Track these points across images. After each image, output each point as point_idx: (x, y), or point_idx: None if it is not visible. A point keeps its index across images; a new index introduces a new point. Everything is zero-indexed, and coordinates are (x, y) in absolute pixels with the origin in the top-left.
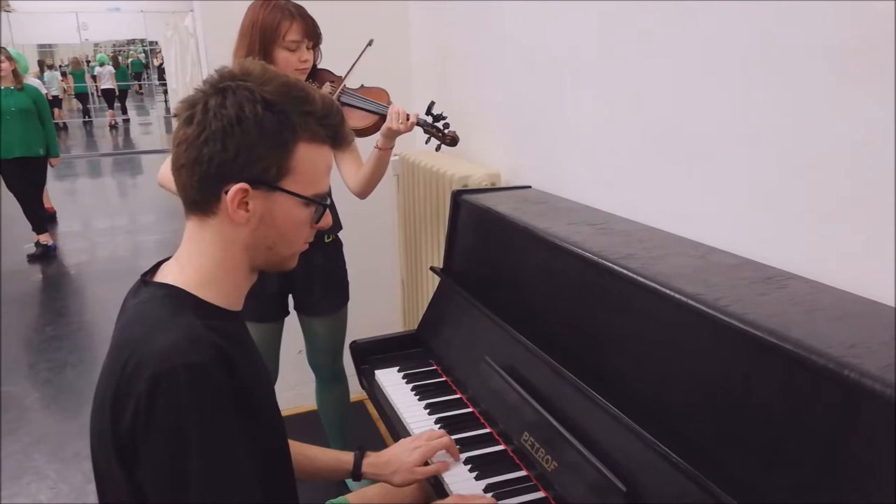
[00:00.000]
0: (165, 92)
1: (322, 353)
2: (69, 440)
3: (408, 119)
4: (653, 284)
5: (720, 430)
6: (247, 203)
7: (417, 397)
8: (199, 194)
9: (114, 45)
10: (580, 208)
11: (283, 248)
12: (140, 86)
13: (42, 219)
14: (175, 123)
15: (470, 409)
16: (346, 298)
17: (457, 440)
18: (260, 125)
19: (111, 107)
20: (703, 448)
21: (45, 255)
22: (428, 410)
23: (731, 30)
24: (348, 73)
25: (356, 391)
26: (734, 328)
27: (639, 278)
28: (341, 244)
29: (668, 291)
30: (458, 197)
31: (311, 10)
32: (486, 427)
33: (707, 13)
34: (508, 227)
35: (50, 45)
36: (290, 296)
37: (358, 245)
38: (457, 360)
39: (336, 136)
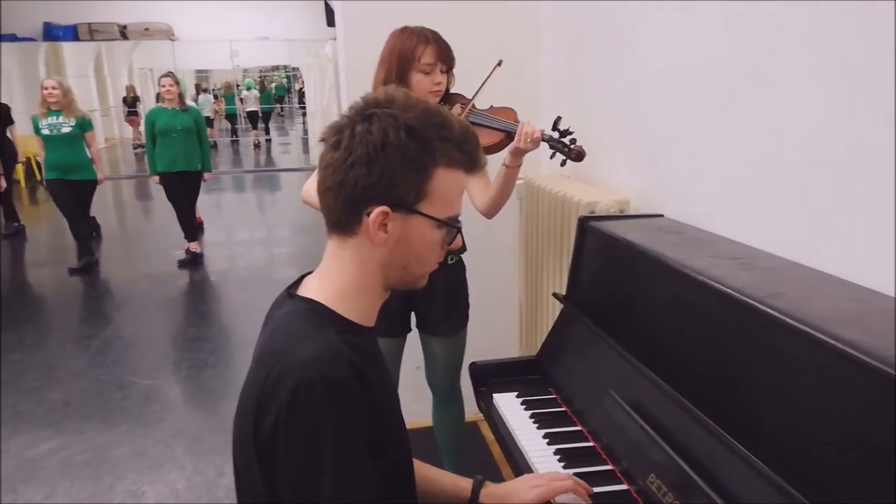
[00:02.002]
0: (304, 114)
1: (440, 373)
2: (205, 435)
3: (536, 136)
4: (804, 328)
5: (876, 491)
6: (386, 224)
7: (536, 425)
8: (343, 215)
9: (260, 71)
10: (719, 240)
11: (415, 268)
12: (282, 108)
13: (193, 228)
14: (322, 147)
15: (591, 443)
16: (466, 320)
17: (576, 475)
18: (403, 151)
19: (255, 127)
20: None
21: (193, 262)
22: (547, 440)
23: (886, 55)
24: (477, 92)
25: (472, 412)
26: None
27: (788, 320)
28: (464, 266)
29: (822, 336)
30: (585, 223)
31: (445, 35)
32: (607, 463)
33: (859, 39)
34: (639, 256)
35: (205, 71)
36: (413, 313)
37: (478, 267)
38: (578, 391)
39: (471, 161)
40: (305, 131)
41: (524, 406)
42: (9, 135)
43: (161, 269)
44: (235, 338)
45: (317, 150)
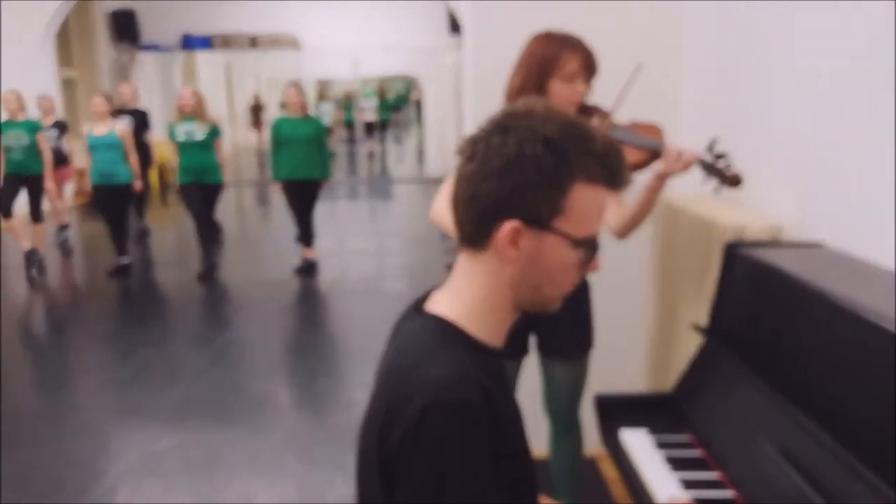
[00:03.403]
0: (421, 124)
1: (559, 400)
2: (316, 444)
3: (685, 158)
4: None
5: None
6: (517, 241)
7: (670, 468)
8: (474, 229)
9: (379, 80)
10: (890, 275)
11: (548, 289)
12: (399, 117)
13: (311, 236)
14: (457, 160)
15: (731, 493)
16: (591, 345)
17: None
18: (538, 164)
19: (371, 137)
20: None
21: (308, 270)
22: (681, 485)
23: None
24: (616, 102)
25: (590, 446)
26: None
27: None
28: (589, 287)
29: None
30: (733, 250)
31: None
32: None
33: None
34: (797, 289)
35: (328, 80)
36: (533, 334)
37: (604, 290)
38: (718, 434)
39: (614, 178)
40: (421, 141)
41: (656, 446)
42: (146, 140)
43: (277, 275)
44: (346, 347)
45: (431, 160)
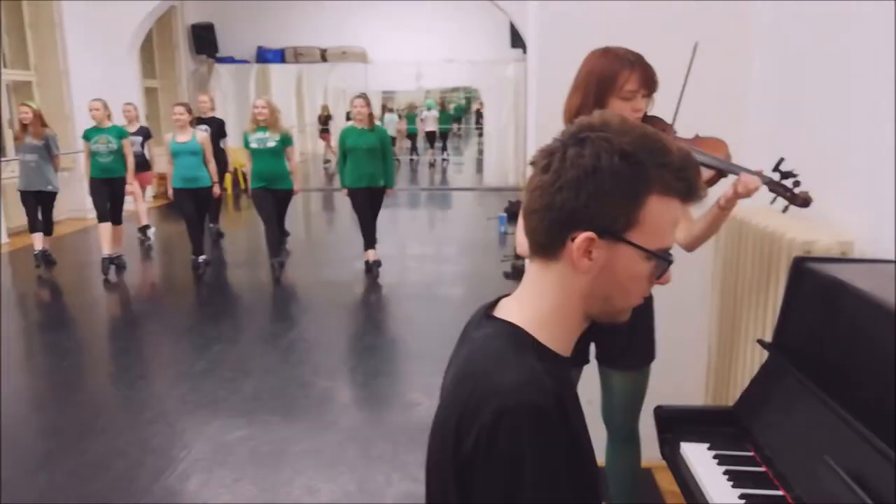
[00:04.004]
0: (480, 134)
1: (618, 410)
2: (376, 441)
3: (751, 186)
4: None
5: None
6: (591, 251)
7: (731, 483)
8: (547, 239)
9: (441, 92)
10: None
11: (619, 300)
12: (458, 128)
13: (374, 240)
14: (531, 171)
15: None
16: (652, 357)
17: None
18: (614, 175)
19: (432, 146)
20: None
21: (370, 272)
22: (743, 501)
23: None
24: (675, 116)
25: (648, 457)
26: None
27: None
28: (652, 297)
29: None
30: (801, 265)
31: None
32: None
33: None
34: (870, 308)
35: (392, 91)
36: (593, 343)
37: (665, 301)
38: (782, 452)
39: (689, 191)
40: (480, 151)
41: (717, 460)
42: (223, 147)
43: (340, 277)
44: (405, 349)
45: (489, 170)
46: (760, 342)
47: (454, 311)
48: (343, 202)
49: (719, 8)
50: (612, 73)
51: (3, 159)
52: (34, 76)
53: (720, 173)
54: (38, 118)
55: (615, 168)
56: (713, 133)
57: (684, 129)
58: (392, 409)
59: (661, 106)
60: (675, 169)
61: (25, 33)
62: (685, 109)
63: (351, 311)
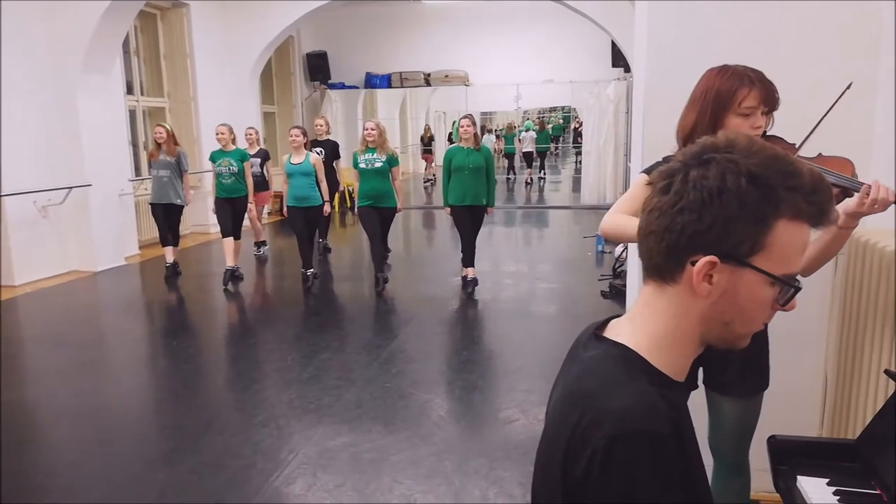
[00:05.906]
0: (578, 153)
1: (727, 438)
2: (472, 456)
3: (882, 198)
4: None
5: None
6: (711, 276)
7: None
8: (664, 261)
9: (538, 112)
10: None
11: (739, 326)
12: (556, 147)
13: (473, 257)
14: (650, 192)
15: None
16: (766, 384)
17: None
18: (741, 198)
19: (529, 166)
20: None
21: (468, 286)
22: None
23: None
24: (805, 140)
25: (755, 488)
26: None
27: None
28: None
29: None
30: None
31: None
32: None
33: None
34: None
35: (490, 112)
36: (701, 368)
37: (778, 326)
38: None
39: (820, 215)
40: (577, 170)
41: (838, 497)
42: (336, 167)
43: (439, 292)
44: (501, 365)
45: (586, 189)
46: (888, 373)
47: (549, 329)
48: (442, 219)
49: (844, 28)
50: (731, 90)
51: (137, 178)
52: (167, 102)
53: (845, 192)
54: (171, 137)
55: (742, 191)
56: (837, 153)
57: (807, 148)
58: (488, 424)
59: (779, 125)
60: (806, 192)
61: (161, 63)
62: (806, 126)
63: (448, 326)
